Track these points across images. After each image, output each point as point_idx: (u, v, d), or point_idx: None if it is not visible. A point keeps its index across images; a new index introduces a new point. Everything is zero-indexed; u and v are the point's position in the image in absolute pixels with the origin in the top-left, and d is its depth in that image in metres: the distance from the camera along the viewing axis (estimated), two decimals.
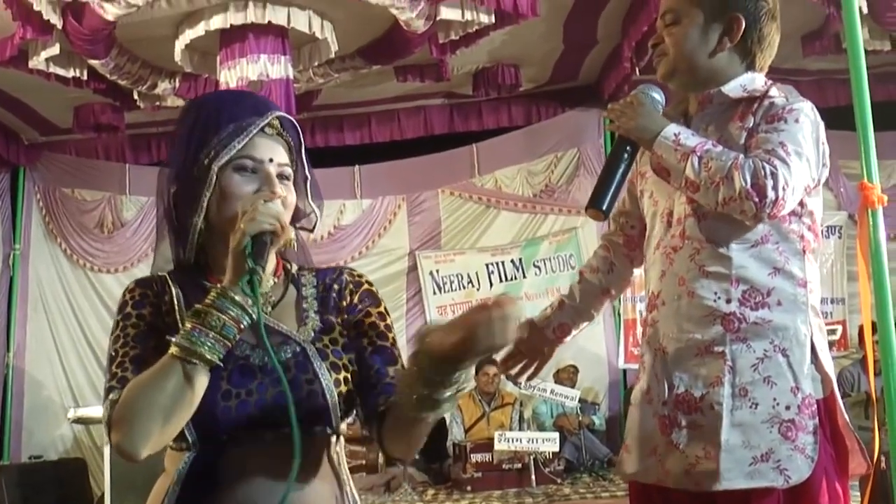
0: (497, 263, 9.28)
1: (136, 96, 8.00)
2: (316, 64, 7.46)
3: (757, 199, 2.04)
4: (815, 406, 2.13)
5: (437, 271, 9.31)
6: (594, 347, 8.90)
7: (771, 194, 2.04)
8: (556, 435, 6.90)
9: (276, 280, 1.84)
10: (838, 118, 4.38)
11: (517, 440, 6.83)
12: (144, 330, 1.76)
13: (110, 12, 6.20)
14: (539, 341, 2.62)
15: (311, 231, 1.94)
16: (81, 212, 9.48)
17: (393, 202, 9.55)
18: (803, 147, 2.12)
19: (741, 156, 2.10)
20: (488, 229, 9.48)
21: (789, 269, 2.18)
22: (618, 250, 2.62)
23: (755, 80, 2.28)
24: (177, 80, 7.74)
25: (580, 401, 7.50)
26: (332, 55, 7.23)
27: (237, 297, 1.63)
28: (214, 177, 1.75)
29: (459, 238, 9.51)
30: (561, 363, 8.52)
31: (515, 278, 9.22)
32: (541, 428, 7.91)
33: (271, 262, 1.82)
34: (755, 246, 2.18)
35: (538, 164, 9.48)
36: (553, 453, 6.97)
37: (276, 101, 6.54)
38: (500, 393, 8.34)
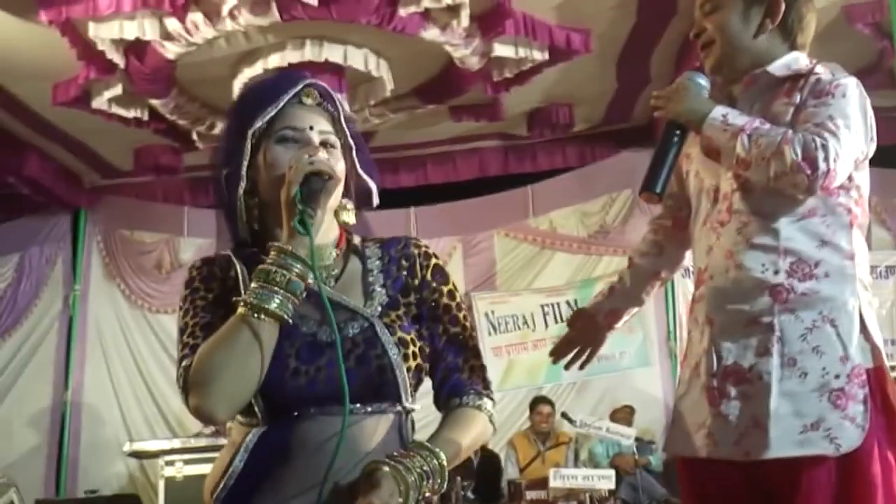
0: (552, 304, 9.22)
1: (194, 136, 8.12)
2: (372, 103, 7.55)
3: (809, 172, 2.06)
4: (865, 375, 2.12)
5: (493, 312, 9.27)
6: (650, 389, 8.80)
7: (822, 166, 2.05)
8: (612, 472, 6.79)
9: (338, 252, 1.84)
10: (894, 157, 4.33)
11: (573, 477, 6.73)
12: (212, 301, 1.79)
13: (171, 51, 6.34)
14: (591, 328, 2.64)
15: (372, 206, 1.95)
16: (140, 253, 9.61)
17: (448, 244, 9.55)
18: (851, 120, 2.14)
19: (790, 131, 2.12)
20: (543, 270, 9.44)
21: (836, 241, 2.19)
22: (667, 232, 2.63)
23: (799, 59, 2.33)
24: None
25: (636, 440, 7.39)
26: (388, 94, 7.30)
27: (299, 253, 1.64)
28: (249, 145, 1.78)
29: (514, 279, 9.48)
30: (617, 403, 8.44)
31: None
32: (597, 468, 7.81)
33: (332, 232, 1.84)
34: (803, 219, 2.19)
35: (593, 205, 9.45)
36: (609, 491, 6.86)
37: None
38: (555, 432, 8.27)
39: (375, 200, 1.95)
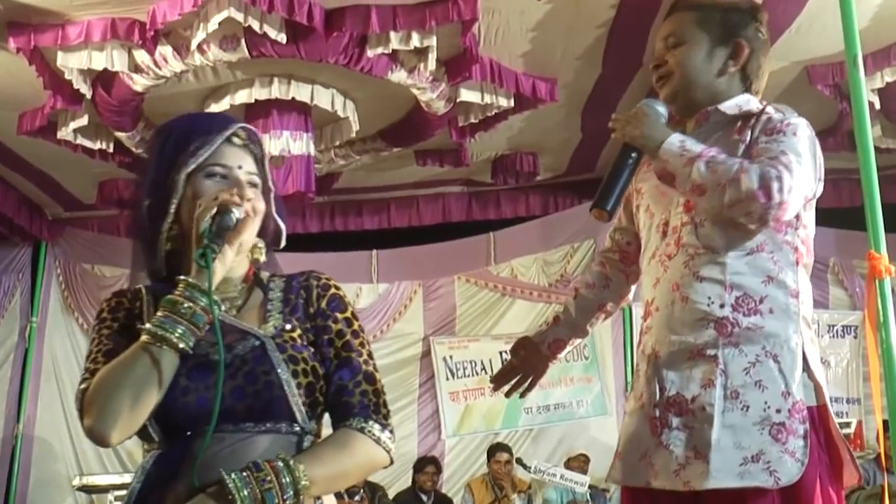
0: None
1: None
2: (337, 144, 7.60)
3: (764, 200, 2.10)
4: (806, 412, 2.15)
5: (451, 357, 9.28)
6: (607, 438, 8.78)
7: (777, 196, 2.09)
8: None
9: (244, 285, 1.90)
10: (853, 219, 4.43)
11: None
12: (117, 329, 1.86)
13: (139, 83, 6.35)
14: (534, 357, 2.66)
15: (279, 248, 2.02)
16: (100, 287, 9.52)
17: (409, 287, 9.57)
18: (803, 157, 2.19)
19: (746, 161, 2.17)
20: (503, 317, 9.46)
21: (782, 278, 2.23)
22: (614, 266, 2.68)
23: (750, 101, 2.39)
24: None
25: (590, 487, 7.40)
26: (354, 135, 7.37)
27: (204, 286, 1.70)
28: (181, 183, 1.83)
29: (474, 325, 9.50)
30: (572, 452, 8.46)
31: None
32: None
33: (242, 267, 1.90)
34: (751, 254, 2.23)
35: (554, 254, 9.52)
36: None
37: (296, 178, 6.71)
38: (513, 479, 8.24)
39: (283, 243, 2.02)
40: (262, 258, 1.92)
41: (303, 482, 1.66)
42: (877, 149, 2.94)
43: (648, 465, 2.22)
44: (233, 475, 1.62)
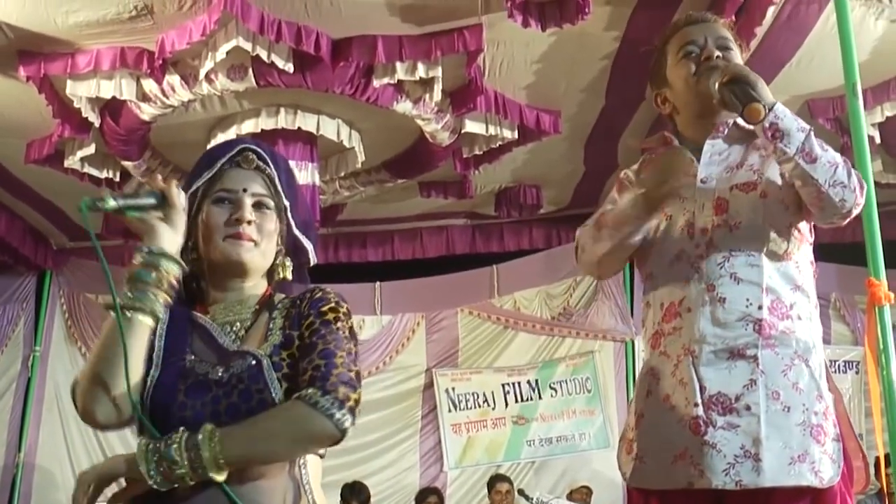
0: (513, 384, 9.23)
1: None
2: (342, 174, 7.65)
3: (858, 194, 2.22)
4: (834, 415, 2.22)
5: (453, 389, 9.27)
6: (609, 471, 8.72)
7: (861, 198, 2.22)
8: None
9: (257, 307, 1.94)
10: (854, 254, 4.46)
11: None
12: None
13: (147, 112, 6.42)
14: None
15: (309, 264, 2.07)
16: (104, 317, 9.46)
17: (412, 319, 9.57)
18: None
19: None
20: (506, 350, 9.46)
21: (806, 288, 2.33)
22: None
23: None
24: None
25: None
26: (359, 166, 7.42)
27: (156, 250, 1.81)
28: (185, 202, 1.90)
29: (476, 357, 9.49)
30: (575, 484, 8.42)
31: (531, 399, 9.15)
32: None
33: (259, 288, 1.97)
34: (781, 261, 2.31)
35: (557, 287, 9.52)
36: None
37: None
38: None
39: (312, 259, 2.07)
40: (289, 276, 1.97)
41: (204, 452, 1.68)
42: (877, 184, 3.00)
43: (689, 465, 2.21)
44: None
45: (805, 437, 2.16)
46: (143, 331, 1.77)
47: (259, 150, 2.00)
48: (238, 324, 1.90)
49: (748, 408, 2.19)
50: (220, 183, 1.94)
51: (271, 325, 1.90)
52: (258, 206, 1.93)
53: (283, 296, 1.98)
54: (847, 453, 2.24)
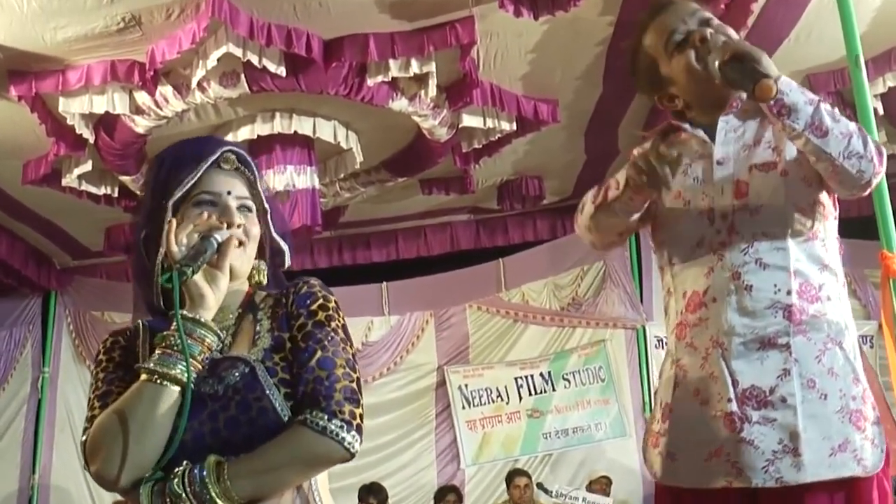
0: (526, 377, 9.19)
1: None
2: (342, 176, 7.60)
3: (877, 163, 2.12)
4: (872, 398, 2.15)
5: (466, 385, 9.23)
6: (627, 460, 8.72)
7: (881, 168, 2.12)
8: None
9: (239, 311, 1.87)
10: (864, 228, 4.40)
11: None
12: (112, 370, 1.83)
13: (141, 125, 6.37)
14: None
15: (283, 267, 1.99)
16: None
17: (420, 318, 9.54)
18: None
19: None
20: (516, 343, 9.42)
21: (833, 267, 2.22)
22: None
23: None
24: None
25: None
26: (358, 166, 7.37)
27: (199, 318, 1.71)
28: (169, 213, 1.80)
29: (488, 352, 9.44)
30: (593, 475, 8.37)
31: (545, 391, 9.12)
32: None
33: (239, 293, 1.88)
34: (807, 241, 2.21)
35: (565, 277, 9.47)
36: None
37: (302, 212, 6.68)
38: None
39: (287, 262, 1.99)
40: (264, 280, 1.90)
41: (212, 487, 1.62)
42: None
43: (726, 463, 2.13)
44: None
45: (844, 424, 2.08)
46: (173, 400, 1.68)
47: (239, 151, 1.92)
48: (224, 331, 1.81)
49: (783, 399, 2.10)
50: (200, 185, 1.83)
51: (258, 328, 1.82)
52: (241, 209, 1.85)
53: (264, 293, 1.91)
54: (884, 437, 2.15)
